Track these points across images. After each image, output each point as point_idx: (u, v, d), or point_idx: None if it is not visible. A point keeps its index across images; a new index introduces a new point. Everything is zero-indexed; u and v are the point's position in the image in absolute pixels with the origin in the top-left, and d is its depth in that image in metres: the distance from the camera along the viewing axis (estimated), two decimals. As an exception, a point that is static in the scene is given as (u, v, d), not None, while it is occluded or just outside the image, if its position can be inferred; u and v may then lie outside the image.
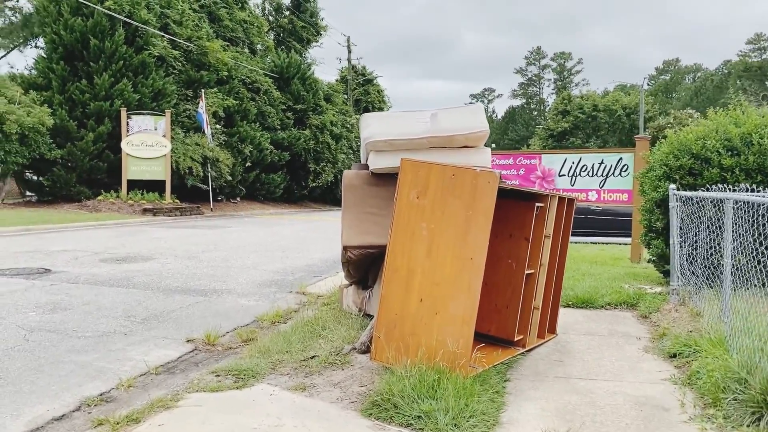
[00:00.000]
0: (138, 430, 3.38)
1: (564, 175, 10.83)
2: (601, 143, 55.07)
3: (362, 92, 48.15)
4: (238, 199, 30.88)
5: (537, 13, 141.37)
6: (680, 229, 6.32)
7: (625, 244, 14.23)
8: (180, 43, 27.03)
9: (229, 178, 27.42)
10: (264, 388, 4.06)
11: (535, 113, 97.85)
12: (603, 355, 4.97)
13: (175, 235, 14.85)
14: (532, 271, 4.91)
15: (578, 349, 5.15)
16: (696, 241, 5.80)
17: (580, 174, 10.70)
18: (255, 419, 3.50)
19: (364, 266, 5.63)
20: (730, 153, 6.75)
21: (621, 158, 10.44)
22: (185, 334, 5.65)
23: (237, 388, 4.06)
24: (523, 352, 4.90)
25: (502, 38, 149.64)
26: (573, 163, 10.77)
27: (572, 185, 10.67)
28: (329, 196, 38.79)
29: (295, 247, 12.89)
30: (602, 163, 10.55)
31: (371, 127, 5.04)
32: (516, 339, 4.87)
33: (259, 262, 10.31)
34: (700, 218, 5.72)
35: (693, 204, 5.99)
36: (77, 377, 4.41)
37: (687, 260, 6.02)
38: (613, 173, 10.45)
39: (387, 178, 5.17)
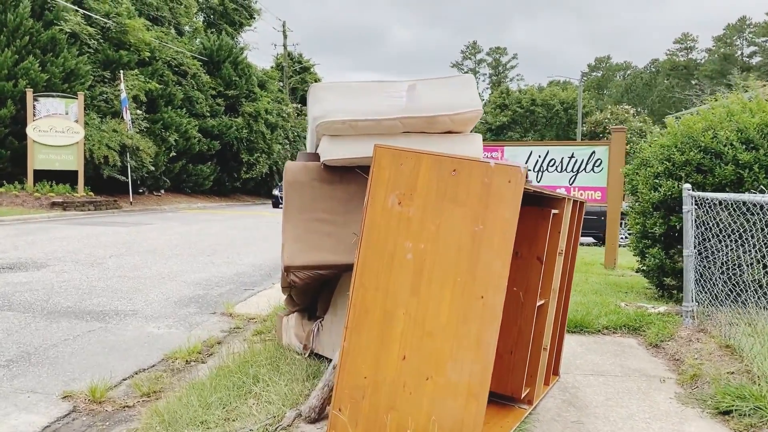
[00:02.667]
0: None
1: (529, 170, 9.66)
2: (539, 137, 55.07)
3: (299, 80, 46.27)
4: (162, 191, 28.53)
5: (465, 7, 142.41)
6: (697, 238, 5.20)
7: (589, 245, 13.34)
8: (97, 19, 24.51)
9: (152, 168, 25.14)
10: (161, 500, 2.60)
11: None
12: (631, 410, 3.74)
13: (82, 234, 12.89)
14: (543, 301, 3.62)
15: (594, 400, 3.91)
16: (738, 255, 4.67)
17: (547, 169, 9.56)
18: None
19: (312, 291, 4.21)
20: (745, 147, 5.69)
21: (594, 152, 9.36)
22: (63, 384, 4.09)
23: (118, 501, 2.58)
24: (530, 411, 3.61)
25: (432, 32, 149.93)
26: (540, 156, 9.62)
27: (538, 181, 9.51)
28: (264, 189, 36.87)
29: (223, 249, 11.25)
30: (572, 157, 9.44)
31: (325, 101, 3.59)
32: (522, 395, 3.57)
33: (177, 270, 8.65)
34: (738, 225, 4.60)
35: (713, 208, 4.88)
36: None
37: (719, 276, 4.89)
38: (584, 168, 9.35)
39: (346, 173, 3.75)
